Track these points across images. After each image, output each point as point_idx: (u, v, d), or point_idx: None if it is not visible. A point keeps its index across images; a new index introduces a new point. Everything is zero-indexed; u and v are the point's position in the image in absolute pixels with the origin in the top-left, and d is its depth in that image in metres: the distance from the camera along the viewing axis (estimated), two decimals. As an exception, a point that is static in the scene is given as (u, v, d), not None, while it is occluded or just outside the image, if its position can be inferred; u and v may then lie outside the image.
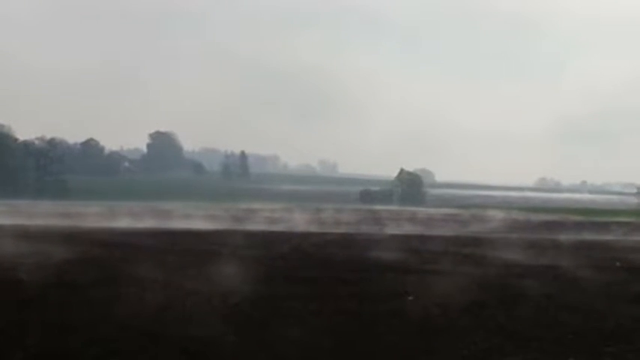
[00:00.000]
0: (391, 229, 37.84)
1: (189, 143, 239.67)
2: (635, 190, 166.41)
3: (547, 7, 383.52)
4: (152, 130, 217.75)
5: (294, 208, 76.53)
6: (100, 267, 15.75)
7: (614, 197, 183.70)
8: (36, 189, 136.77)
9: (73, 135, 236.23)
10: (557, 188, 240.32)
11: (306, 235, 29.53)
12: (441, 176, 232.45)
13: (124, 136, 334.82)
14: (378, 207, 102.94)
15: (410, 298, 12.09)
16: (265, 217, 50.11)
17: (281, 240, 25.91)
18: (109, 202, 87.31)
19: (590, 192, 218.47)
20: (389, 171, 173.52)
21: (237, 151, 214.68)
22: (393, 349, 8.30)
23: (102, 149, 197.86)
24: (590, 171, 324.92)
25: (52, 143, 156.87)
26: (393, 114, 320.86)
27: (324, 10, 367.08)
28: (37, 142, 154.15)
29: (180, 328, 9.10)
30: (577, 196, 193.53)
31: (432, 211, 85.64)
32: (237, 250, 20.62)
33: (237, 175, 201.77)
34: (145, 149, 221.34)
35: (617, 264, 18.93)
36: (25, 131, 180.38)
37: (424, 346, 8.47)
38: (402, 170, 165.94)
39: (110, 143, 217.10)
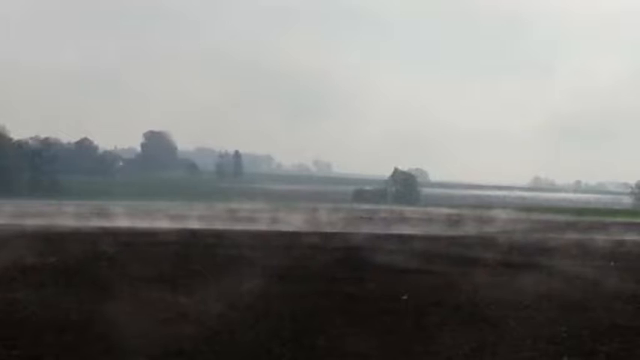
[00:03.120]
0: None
1: (184, 143, 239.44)
2: (629, 190, 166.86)
3: (541, 5, 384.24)
4: (146, 130, 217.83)
5: (284, 207, 76.44)
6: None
7: (611, 197, 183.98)
8: (30, 188, 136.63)
9: (67, 134, 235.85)
10: (552, 188, 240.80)
11: (298, 235, 29.56)
12: (435, 176, 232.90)
13: (118, 135, 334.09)
14: (378, 207, 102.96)
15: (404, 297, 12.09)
16: (248, 217, 50.06)
17: (270, 239, 25.95)
18: (102, 202, 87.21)
19: (585, 191, 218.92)
20: (383, 170, 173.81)
21: (231, 150, 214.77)
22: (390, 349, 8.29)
23: (96, 149, 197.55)
24: (584, 170, 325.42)
25: (46, 143, 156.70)
26: (388, 113, 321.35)
27: (316, 10, 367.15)
28: (30, 141, 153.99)
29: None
30: (574, 195, 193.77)
31: (435, 211, 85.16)
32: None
33: (231, 174, 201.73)
34: (139, 149, 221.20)
35: (612, 264, 18.99)
36: (18, 131, 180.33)
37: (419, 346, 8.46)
38: (396, 170, 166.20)
39: (104, 143, 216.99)
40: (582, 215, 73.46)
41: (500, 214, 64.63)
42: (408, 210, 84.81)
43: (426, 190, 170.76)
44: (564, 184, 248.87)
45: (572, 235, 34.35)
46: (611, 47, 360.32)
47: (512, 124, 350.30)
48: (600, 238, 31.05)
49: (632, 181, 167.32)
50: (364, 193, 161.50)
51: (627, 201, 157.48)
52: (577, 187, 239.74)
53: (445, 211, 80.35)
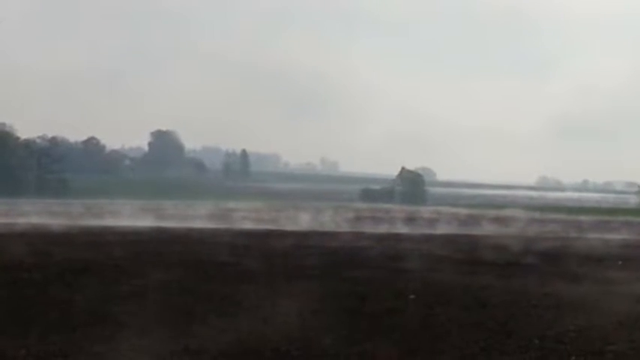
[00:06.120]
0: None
1: (191, 142, 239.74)
2: (636, 189, 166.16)
3: (547, 3, 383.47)
4: (153, 129, 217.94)
5: (288, 206, 76.42)
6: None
7: (618, 196, 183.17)
8: (37, 188, 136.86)
9: (74, 133, 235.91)
10: (558, 187, 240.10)
11: (307, 234, 29.60)
12: (442, 175, 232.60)
13: (126, 134, 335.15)
14: (388, 206, 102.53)
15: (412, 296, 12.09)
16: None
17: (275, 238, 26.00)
18: (108, 201, 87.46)
19: (592, 191, 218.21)
20: (390, 169, 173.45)
21: (238, 149, 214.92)
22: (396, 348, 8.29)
23: (103, 148, 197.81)
24: (591, 169, 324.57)
25: (54, 142, 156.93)
26: (394, 112, 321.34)
27: (319, 9, 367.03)
28: (38, 140, 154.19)
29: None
30: (581, 195, 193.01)
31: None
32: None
33: (238, 173, 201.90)
34: (146, 148, 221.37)
35: (619, 262, 18.93)
36: (26, 130, 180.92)
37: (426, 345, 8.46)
38: (403, 168, 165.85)
39: (111, 142, 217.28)
40: (589, 214, 73.12)
41: (516, 213, 64.24)
42: (422, 210, 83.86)
43: (432, 190, 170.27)
44: (571, 183, 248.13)
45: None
46: (617, 45, 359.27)
47: (518, 123, 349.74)
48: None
49: (639, 180, 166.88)
50: (371, 192, 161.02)
51: (634, 200, 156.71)
52: (584, 187, 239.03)
53: (463, 211, 78.83)
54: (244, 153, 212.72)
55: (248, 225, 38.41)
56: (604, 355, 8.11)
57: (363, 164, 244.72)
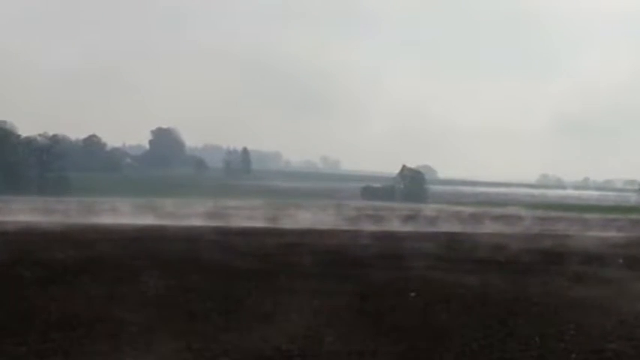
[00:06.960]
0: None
1: (192, 139, 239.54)
2: (637, 187, 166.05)
3: (547, 2, 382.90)
4: (154, 127, 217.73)
5: (290, 204, 76.41)
6: None
7: (618, 194, 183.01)
8: (38, 185, 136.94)
9: (75, 131, 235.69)
10: (559, 185, 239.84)
11: (306, 232, 29.59)
12: (443, 173, 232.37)
13: (126, 132, 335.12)
14: (390, 204, 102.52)
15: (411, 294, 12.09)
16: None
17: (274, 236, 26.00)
18: (108, 199, 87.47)
19: (593, 189, 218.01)
20: (391, 167, 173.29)
21: (239, 147, 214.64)
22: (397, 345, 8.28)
23: (104, 145, 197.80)
24: (591, 167, 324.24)
25: (54, 140, 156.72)
26: (395, 111, 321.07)
27: (321, 8, 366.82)
28: (39, 138, 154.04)
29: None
30: (582, 193, 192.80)
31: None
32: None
33: (239, 171, 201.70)
34: (147, 145, 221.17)
35: (620, 261, 18.93)
36: (27, 128, 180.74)
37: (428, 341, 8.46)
38: (404, 167, 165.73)
39: (112, 140, 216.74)
40: (590, 212, 73.05)
41: (517, 211, 64.07)
42: (423, 208, 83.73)
43: (433, 188, 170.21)
44: (571, 181, 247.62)
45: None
46: (618, 44, 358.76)
47: (519, 122, 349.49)
48: None
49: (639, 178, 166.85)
50: (372, 190, 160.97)
51: (634, 198, 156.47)
52: (585, 184, 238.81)
53: (463, 209, 78.32)
54: (245, 151, 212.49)
55: (248, 223, 38.39)
56: (604, 353, 8.10)
57: (364, 162, 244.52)
